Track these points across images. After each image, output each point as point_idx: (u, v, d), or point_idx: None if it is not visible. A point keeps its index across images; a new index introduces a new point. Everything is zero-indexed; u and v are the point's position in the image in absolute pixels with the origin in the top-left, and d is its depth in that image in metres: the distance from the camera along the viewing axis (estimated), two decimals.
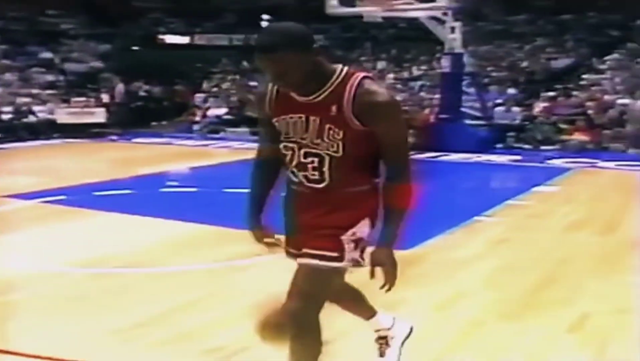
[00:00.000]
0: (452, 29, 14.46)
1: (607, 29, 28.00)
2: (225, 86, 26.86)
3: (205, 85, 27.09)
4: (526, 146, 15.31)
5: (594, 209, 8.18)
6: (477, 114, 15.79)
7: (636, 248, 6.15)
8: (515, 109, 17.33)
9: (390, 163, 2.53)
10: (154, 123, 22.73)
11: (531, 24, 30.66)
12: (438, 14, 14.25)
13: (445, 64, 14.81)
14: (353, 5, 14.44)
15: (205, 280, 5.14)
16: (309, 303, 2.52)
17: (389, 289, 2.52)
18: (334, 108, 2.43)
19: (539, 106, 17.69)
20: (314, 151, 2.49)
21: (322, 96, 2.46)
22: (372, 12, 14.45)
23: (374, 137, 2.46)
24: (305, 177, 2.56)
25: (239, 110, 21.95)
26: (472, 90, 15.78)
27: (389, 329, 3.11)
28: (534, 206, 8.21)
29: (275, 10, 32.11)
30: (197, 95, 24.79)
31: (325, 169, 2.51)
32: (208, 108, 22.47)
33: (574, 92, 19.07)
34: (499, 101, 18.83)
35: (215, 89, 26.23)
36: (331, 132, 2.45)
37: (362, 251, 2.60)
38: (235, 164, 12.96)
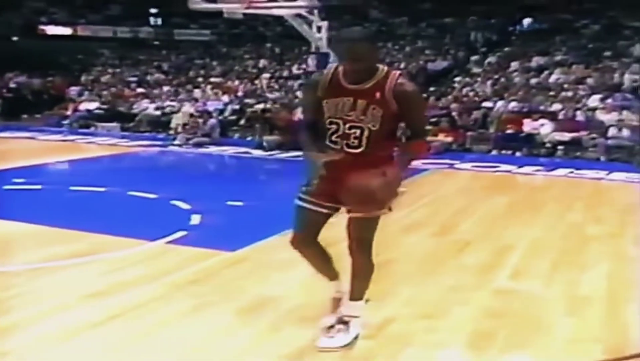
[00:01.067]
0: (319, 29, 14.46)
1: (485, 33, 28.98)
2: (104, 79, 26.13)
3: (83, 78, 26.25)
4: None
5: (436, 210, 8.29)
6: None
7: (469, 248, 6.23)
8: None
9: (414, 130, 3.59)
10: (24, 116, 21.81)
11: (412, 26, 31.37)
12: (303, 12, 14.17)
13: (311, 63, 14.80)
14: (215, 2, 14.15)
15: (15, 282, 4.91)
16: (368, 250, 3.74)
17: (352, 185, 3.45)
18: (377, 94, 3.44)
19: None
20: (357, 125, 3.48)
21: (369, 85, 3.46)
22: (232, 8, 14.26)
23: (400, 116, 3.49)
24: (347, 144, 3.51)
25: (111, 104, 21.35)
26: None
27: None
28: None
29: (162, 3, 31.61)
30: (72, 88, 23.92)
31: (364, 138, 3.49)
32: (81, 102, 21.71)
33: (449, 94, 19.52)
34: None
35: (94, 83, 25.50)
36: (374, 111, 3.46)
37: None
38: (96, 161, 12.60)
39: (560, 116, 16.16)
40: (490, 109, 17.32)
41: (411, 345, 3.97)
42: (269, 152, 14.24)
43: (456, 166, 12.69)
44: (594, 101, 17.96)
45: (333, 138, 3.55)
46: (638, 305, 4.76)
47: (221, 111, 19.28)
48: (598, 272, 5.60)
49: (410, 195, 9.10)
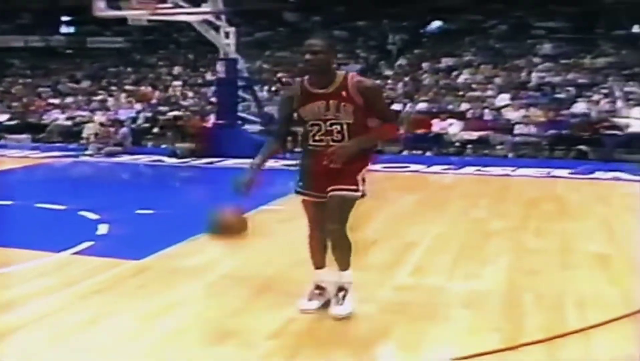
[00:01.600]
0: (227, 34, 14.44)
1: (397, 35, 29.47)
2: (15, 89, 25.39)
3: None
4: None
5: None
6: (254, 118, 15.86)
7: (374, 247, 6.34)
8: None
9: (381, 116, 4.24)
10: None
11: (325, 30, 31.58)
12: (210, 18, 14.10)
13: (220, 69, 14.76)
14: (120, 9, 13.96)
15: None
16: (342, 225, 4.32)
17: (331, 161, 4.09)
18: (343, 93, 4.11)
19: None
20: (336, 122, 4.13)
21: (333, 87, 4.14)
22: (137, 15, 14.08)
23: (366, 108, 4.12)
24: (332, 139, 4.15)
25: (21, 116, 20.79)
26: (251, 95, 15.83)
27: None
28: (286, 211, 8.25)
29: (74, 11, 30.92)
30: None
31: (345, 132, 4.14)
32: None
33: None
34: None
35: (5, 94, 24.76)
36: (346, 107, 4.12)
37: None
38: (6, 174, 12.26)
39: (469, 116, 16.60)
40: (399, 111, 17.65)
41: (310, 343, 4.07)
42: (181, 160, 14.12)
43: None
44: (501, 99, 18.56)
45: (317, 137, 4.24)
46: (534, 294, 4.97)
47: (134, 119, 19.01)
48: (498, 265, 5.81)
49: None
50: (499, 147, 15.28)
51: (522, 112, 16.73)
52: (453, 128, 15.77)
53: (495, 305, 4.75)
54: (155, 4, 13.59)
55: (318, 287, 4.62)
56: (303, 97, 4.24)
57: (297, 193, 4.51)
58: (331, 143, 4.16)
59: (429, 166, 12.85)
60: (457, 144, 15.45)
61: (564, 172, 11.94)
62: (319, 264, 4.65)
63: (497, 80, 21.51)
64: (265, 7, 34.25)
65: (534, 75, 21.77)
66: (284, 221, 7.64)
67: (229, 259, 5.97)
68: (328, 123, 4.19)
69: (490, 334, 4.18)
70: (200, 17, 13.87)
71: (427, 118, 16.31)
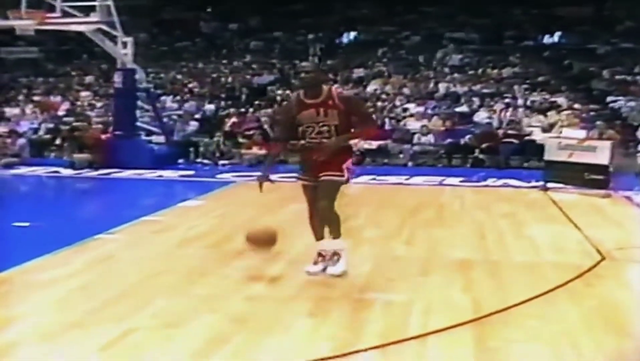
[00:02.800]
0: (124, 44, 14.29)
1: (313, 46, 29.67)
2: None
3: None
4: (206, 161, 15.60)
5: (222, 222, 8.38)
6: (155, 129, 15.73)
7: (238, 258, 6.33)
8: (193, 123, 17.78)
9: (361, 120, 5.60)
10: None
11: (241, 40, 31.59)
12: (105, 28, 13.90)
13: (117, 79, 14.58)
14: (7, 18, 13.61)
15: None
16: (330, 202, 5.50)
17: (319, 156, 5.40)
18: (330, 102, 5.37)
19: (229, 121, 18.12)
20: (326, 123, 5.39)
21: (321, 98, 5.40)
22: (25, 26, 13.72)
23: (348, 113, 5.44)
24: (322, 137, 5.40)
25: None
26: (154, 106, 15.71)
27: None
28: (165, 221, 8.22)
29: None
30: None
31: (333, 131, 5.39)
32: None
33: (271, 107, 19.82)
34: (197, 116, 19.20)
35: None
36: (332, 112, 5.38)
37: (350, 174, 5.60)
38: None
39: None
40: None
41: (144, 354, 4.04)
42: (78, 171, 13.87)
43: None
44: (407, 109, 18.87)
45: (312, 135, 5.47)
46: (385, 301, 5.04)
47: (35, 130, 18.58)
48: (358, 272, 5.86)
49: (203, 209, 9.20)
50: (401, 155, 15.49)
51: (425, 121, 17.04)
52: None
53: (342, 313, 4.79)
54: (43, 13, 13.30)
55: (320, 254, 5.76)
56: (299, 106, 5.50)
57: (298, 178, 5.77)
58: (322, 140, 5.44)
59: None
60: (357, 153, 15.59)
61: (456, 180, 12.22)
62: (319, 236, 5.77)
63: (406, 90, 21.87)
64: (182, 17, 34.17)
65: (442, 85, 22.22)
66: (158, 232, 7.59)
67: (87, 272, 5.89)
68: (320, 124, 5.44)
69: (326, 342, 4.21)
70: (93, 26, 13.63)
71: None
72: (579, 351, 4.09)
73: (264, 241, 5.78)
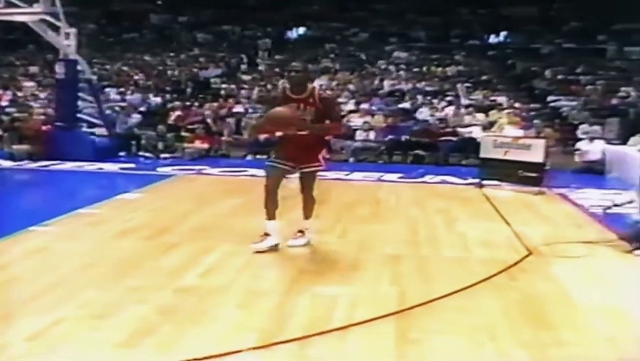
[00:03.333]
0: (67, 35, 14.11)
1: (260, 41, 29.61)
2: None
3: None
4: (148, 154, 15.53)
5: (160, 214, 8.37)
6: (97, 121, 15.58)
7: (171, 251, 6.37)
8: (136, 116, 17.70)
9: (330, 117, 6.34)
10: None
11: (190, 33, 31.41)
12: (48, 18, 13.69)
13: (59, 70, 14.39)
14: None
15: None
16: (312, 190, 6.57)
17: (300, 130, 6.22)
18: (311, 100, 6.19)
19: (173, 114, 18.04)
20: (305, 117, 6.12)
21: (305, 95, 6.21)
22: None
23: (324, 111, 6.24)
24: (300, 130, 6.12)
25: None
26: (94, 97, 15.51)
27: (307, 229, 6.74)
28: (101, 214, 8.19)
29: None
30: None
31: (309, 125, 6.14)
32: None
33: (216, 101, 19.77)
34: (141, 109, 19.06)
35: None
36: (311, 109, 6.17)
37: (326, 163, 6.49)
38: None
39: None
40: (244, 114, 17.83)
41: (69, 344, 4.07)
42: (17, 163, 13.67)
43: (205, 171, 12.93)
44: (351, 105, 19.03)
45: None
46: (311, 294, 5.15)
47: None
48: (286, 267, 5.96)
49: (140, 202, 9.18)
50: (343, 152, 15.64)
51: (368, 118, 17.22)
52: None
53: (269, 305, 4.86)
54: None
55: (266, 234, 6.41)
56: (285, 99, 6.31)
57: (272, 165, 6.40)
58: (299, 133, 6.21)
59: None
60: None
61: (394, 176, 12.41)
62: (272, 217, 6.41)
63: (351, 86, 22.03)
64: (132, 8, 33.76)
65: (387, 82, 22.44)
66: (93, 225, 7.57)
67: (18, 264, 5.87)
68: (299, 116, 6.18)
69: (251, 333, 4.29)
70: (36, 17, 13.43)
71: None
72: (497, 342, 4.25)
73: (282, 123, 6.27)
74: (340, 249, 6.70)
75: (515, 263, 6.23)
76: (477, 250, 6.81)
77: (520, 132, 13.30)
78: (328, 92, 20.54)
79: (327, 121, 6.38)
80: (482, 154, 11.57)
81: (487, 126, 15.86)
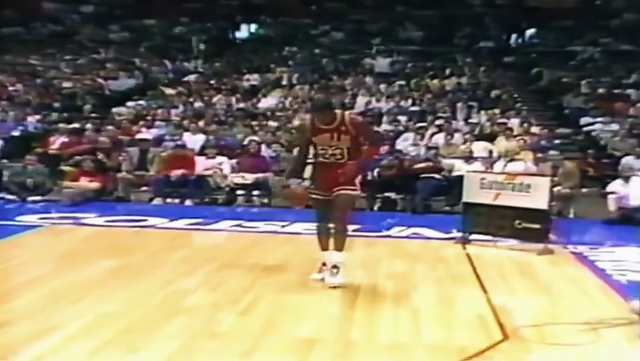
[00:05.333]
0: None
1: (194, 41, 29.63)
2: None
3: None
4: (11, 196, 15.35)
5: None
6: None
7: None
8: None
9: (369, 140, 8.16)
10: None
11: (96, 29, 31.35)
12: None
13: None
14: None
15: None
16: (345, 214, 8.10)
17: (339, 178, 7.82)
18: (343, 127, 7.74)
19: (55, 141, 17.84)
20: (339, 147, 7.78)
21: (336, 123, 7.75)
22: None
23: (358, 135, 7.86)
24: (336, 158, 7.82)
25: None
26: None
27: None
28: None
29: None
30: None
31: (345, 153, 7.80)
32: None
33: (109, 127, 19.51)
34: (14, 133, 18.89)
35: None
36: (346, 137, 7.77)
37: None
38: None
39: (252, 151, 16.70)
40: (158, 142, 17.76)
41: None
42: None
43: (86, 220, 12.79)
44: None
45: (326, 156, 7.87)
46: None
47: None
48: (158, 352, 5.81)
49: None
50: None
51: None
52: (224, 168, 16.01)
53: None
54: None
55: (324, 264, 8.15)
56: (314, 130, 7.82)
57: (310, 193, 8.12)
58: (334, 160, 7.81)
59: (173, 220, 12.96)
60: (226, 189, 15.68)
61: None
62: (324, 247, 8.19)
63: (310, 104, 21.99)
64: None
65: (360, 99, 22.50)
66: None
67: None
68: (333, 148, 7.78)
69: None
70: None
71: (188, 155, 16.54)
72: None
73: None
74: (237, 330, 6.55)
75: (479, 353, 6.07)
76: (429, 333, 6.63)
77: (530, 167, 13.28)
78: (278, 113, 20.77)
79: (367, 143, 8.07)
80: (466, 198, 11.44)
81: (488, 160, 15.87)
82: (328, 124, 7.76)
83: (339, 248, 8.06)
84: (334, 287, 7.92)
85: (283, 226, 12.58)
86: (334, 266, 8.03)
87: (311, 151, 8.22)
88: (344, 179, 7.81)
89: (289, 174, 8.52)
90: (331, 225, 8.14)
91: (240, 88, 24.55)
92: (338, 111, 7.98)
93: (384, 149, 15.82)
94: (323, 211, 8.10)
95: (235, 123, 20.60)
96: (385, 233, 12.14)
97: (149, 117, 20.91)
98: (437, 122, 19.42)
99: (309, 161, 8.39)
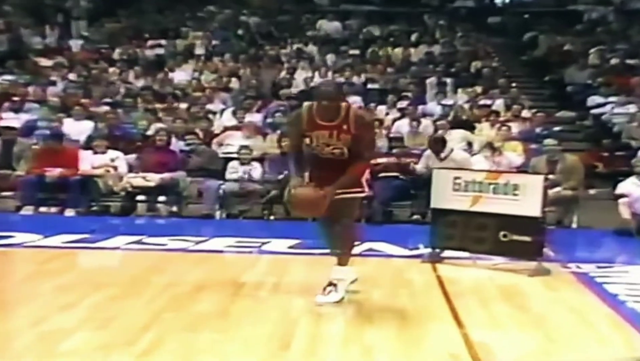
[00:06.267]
0: None
1: None
2: None
3: None
4: None
5: None
6: None
7: None
8: None
9: (362, 148, 8.35)
10: None
11: None
12: None
13: None
14: None
15: None
16: (351, 221, 8.72)
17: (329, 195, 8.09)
18: (345, 126, 8.17)
19: None
20: (338, 147, 8.25)
21: (338, 120, 8.16)
22: None
23: (359, 137, 8.22)
24: (335, 156, 8.29)
25: None
26: None
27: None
28: None
29: None
30: None
31: (345, 152, 8.27)
32: None
33: None
34: None
35: None
36: (346, 137, 8.21)
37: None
38: None
39: (158, 144, 16.73)
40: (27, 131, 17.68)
41: None
42: None
43: None
44: (228, 116, 19.04)
45: (324, 152, 8.30)
46: None
47: None
48: None
49: None
50: (204, 199, 15.63)
51: (254, 140, 17.27)
52: (119, 167, 16.00)
53: None
54: None
55: (330, 283, 8.66)
56: (309, 124, 8.16)
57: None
58: (334, 158, 8.24)
59: (47, 236, 12.90)
60: (122, 194, 15.66)
61: (285, 244, 12.49)
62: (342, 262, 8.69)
63: (234, 83, 22.10)
64: None
65: (300, 75, 22.60)
66: None
67: None
68: (331, 147, 8.19)
69: None
70: None
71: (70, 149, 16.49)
72: None
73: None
74: None
75: None
76: None
77: (516, 162, 13.42)
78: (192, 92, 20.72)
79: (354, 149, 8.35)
80: (435, 203, 11.45)
81: (468, 152, 16.02)
82: (329, 120, 8.11)
83: (342, 261, 8.67)
84: (320, 305, 8.49)
85: (198, 243, 12.53)
86: (331, 283, 8.62)
87: (304, 144, 8.44)
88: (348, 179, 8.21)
89: (296, 175, 8.52)
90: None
91: (140, 59, 24.48)
92: (343, 104, 8.23)
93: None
94: (323, 219, 8.54)
95: (134, 106, 20.51)
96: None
97: (16, 98, 20.58)
98: (401, 104, 19.45)
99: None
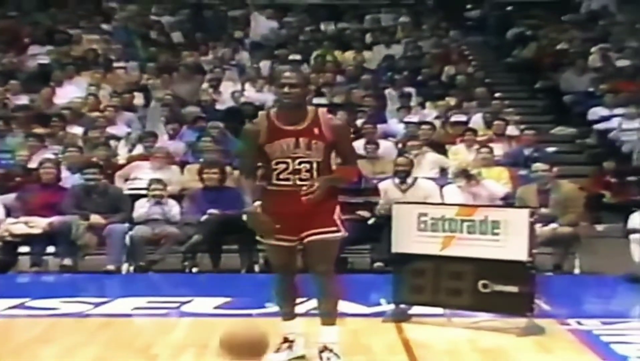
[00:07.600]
0: None
1: None
2: None
3: None
4: None
5: None
6: None
7: None
8: None
9: (345, 156, 8.77)
10: None
11: None
12: None
13: None
14: None
15: None
16: (331, 268, 8.68)
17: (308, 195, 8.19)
18: (316, 130, 8.26)
19: None
20: (306, 159, 8.23)
21: (305, 124, 8.26)
22: None
23: (334, 146, 8.46)
24: (299, 178, 8.23)
25: None
26: None
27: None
28: None
29: None
30: None
31: (314, 170, 8.25)
32: None
33: None
34: None
35: None
36: (318, 144, 8.27)
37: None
38: None
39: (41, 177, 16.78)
40: None
41: None
42: None
43: None
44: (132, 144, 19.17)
45: (283, 176, 8.15)
46: None
47: None
48: None
49: None
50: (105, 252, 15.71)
51: (170, 171, 17.40)
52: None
53: None
54: None
55: (286, 340, 8.62)
56: (270, 133, 8.13)
57: (267, 244, 8.57)
58: (298, 182, 8.10)
59: None
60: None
61: (211, 304, 12.56)
62: (289, 316, 8.71)
63: (138, 100, 22.19)
64: None
65: (226, 86, 22.73)
66: None
67: None
68: (296, 161, 8.12)
69: None
70: None
71: None
72: None
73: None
74: None
75: None
76: None
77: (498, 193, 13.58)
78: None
79: (338, 161, 8.70)
80: (397, 247, 11.40)
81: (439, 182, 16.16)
82: (294, 123, 8.14)
83: (330, 320, 8.55)
84: None
85: (98, 305, 12.55)
86: (325, 349, 8.44)
87: (259, 171, 8.58)
88: (317, 215, 8.23)
89: (250, 200, 8.44)
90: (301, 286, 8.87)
91: (19, 70, 24.48)
92: (310, 107, 8.46)
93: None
94: (285, 262, 8.60)
95: (10, 130, 20.52)
96: (269, 308, 12.13)
97: None
98: (358, 121, 19.56)
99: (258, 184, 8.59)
